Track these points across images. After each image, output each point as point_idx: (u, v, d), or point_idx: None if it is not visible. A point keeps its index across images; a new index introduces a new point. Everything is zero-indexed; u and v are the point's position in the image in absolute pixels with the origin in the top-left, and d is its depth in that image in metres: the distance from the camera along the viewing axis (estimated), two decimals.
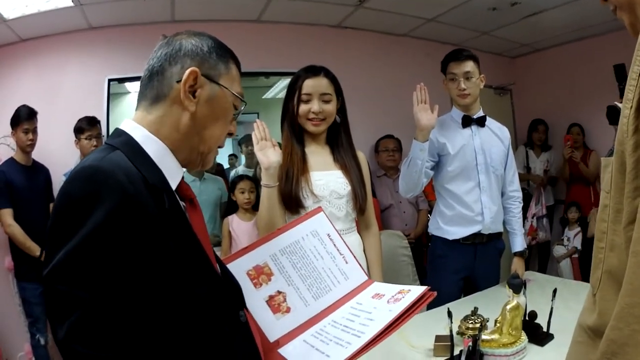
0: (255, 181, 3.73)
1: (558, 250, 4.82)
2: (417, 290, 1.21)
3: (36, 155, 3.51)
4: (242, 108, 1.15)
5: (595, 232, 0.85)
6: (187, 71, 1.01)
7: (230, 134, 1.16)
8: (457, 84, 2.54)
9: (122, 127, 1.05)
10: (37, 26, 3.68)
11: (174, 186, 1.05)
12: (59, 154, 3.69)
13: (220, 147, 1.16)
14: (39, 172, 3.55)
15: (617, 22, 3.68)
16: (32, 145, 3.40)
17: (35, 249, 3.34)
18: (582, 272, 4.59)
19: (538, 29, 4.87)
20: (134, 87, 4.59)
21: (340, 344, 1.16)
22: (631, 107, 0.72)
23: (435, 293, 1.19)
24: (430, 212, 4.37)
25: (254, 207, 3.67)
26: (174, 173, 1.06)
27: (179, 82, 1.02)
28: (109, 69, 3.95)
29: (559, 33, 5.03)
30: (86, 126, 3.51)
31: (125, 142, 1.01)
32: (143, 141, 1.03)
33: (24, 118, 3.32)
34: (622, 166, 0.75)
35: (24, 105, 3.38)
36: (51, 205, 3.55)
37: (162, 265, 0.92)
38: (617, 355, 0.70)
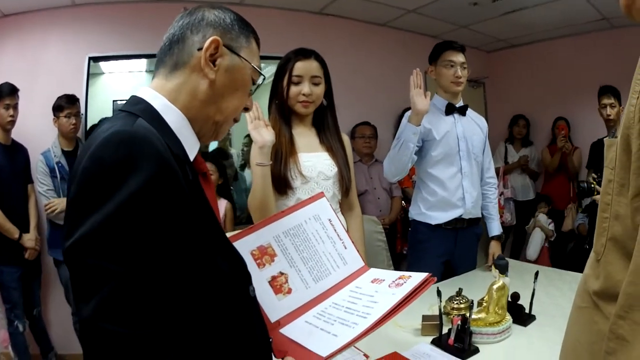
0: (218, 163, 3.73)
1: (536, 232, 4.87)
2: (419, 276, 1.25)
3: (14, 134, 3.42)
4: (261, 82, 1.14)
5: (600, 204, 0.91)
6: (210, 39, 1.01)
7: (246, 109, 1.15)
8: (455, 71, 2.63)
9: (140, 94, 1.04)
10: (20, 1, 3.58)
11: (191, 158, 1.05)
12: (36, 133, 3.60)
13: (236, 120, 1.15)
14: (18, 152, 3.45)
15: (595, 24, 3.86)
16: (13, 122, 3.30)
17: (14, 231, 3.27)
18: (553, 260, 4.72)
19: (516, 26, 4.98)
20: (108, 68, 4.52)
21: (345, 324, 1.18)
22: (638, 97, 0.80)
23: (435, 279, 1.24)
24: (403, 200, 4.45)
25: (219, 192, 3.69)
26: (192, 144, 1.05)
27: (200, 50, 1.02)
28: (90, 46, 3.87)
29: (537, 30, 5.15)
30: (65, 104, 3.43)
31: (145, 110, 0.99)
32: (163, 110, 1.01)
33: (5, 93, 3.24)
34: (627, 147, 0.82)
35: (5, 82, 3.28)
36: (29, 186, 3.50)
37: (190, 238, 0.91)
38: (634, 307, 0.76)
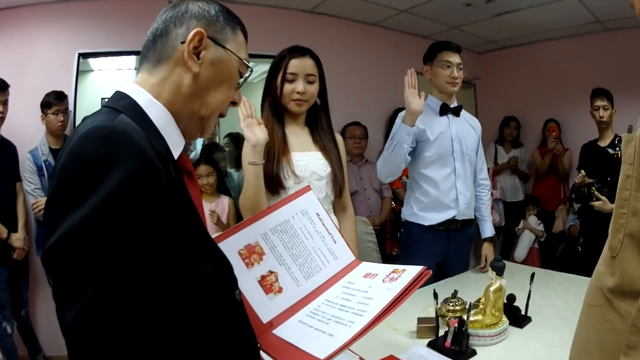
0: (214, 164, 3.70)
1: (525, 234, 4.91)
2: (413, 269, 1.22)
3: (2, 130, 3.36)
4: (248, 75, 1.11)
5: (617, 200, 0.92)
6: (193, 31, 0.99)
7: (234, 103, 1.12)
8: (451, 71, 2.62)
9: (124, 90, 1.01)
10: None
11: (175, 156, 1.02)
12: (26, 130, 3.54)
13: (222, 115, 1.12)
14: (6, 149, 3.39)
15: (588, 26, 3.91)
16: (2, 118, 3.24)
17: (3, 231, 3.22)
18: (543, 262, 4.75)
19: (509, 27, 4.99)
20: (98, 65, 4.47)
21: (341, 323, 1.15)
22: None
23: (430, 271, 1.21)
24: (393, 200, 4.44)
25: (219, 191, 3.67)
26: (176, 142, 1.03)
27: (183, 42, 0.99)
28: (80, 43, 3.81)
29: (529, 32, 5.16)
30: (54, 100, 3.38)
31: (128, 106, 0.97)
32: (146, 105, 0.99)
33: None
34: None
35: None
36: (17, 184, 3.44)
37: (172, 238, 0.88)
38: None
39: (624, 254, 0.88)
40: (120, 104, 0.97)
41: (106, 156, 0.81)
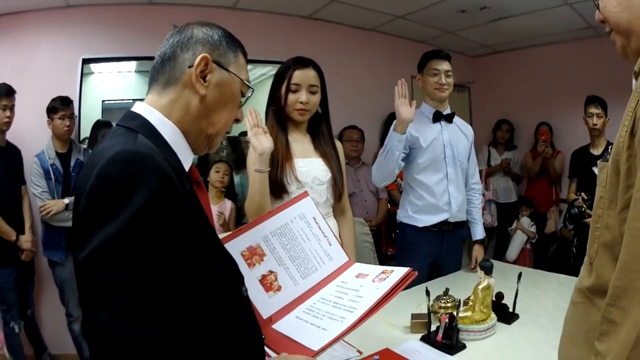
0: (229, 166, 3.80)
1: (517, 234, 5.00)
2: (400, 270, 1.34)
3: (7, 135, 3.41)
4: (250, 94, 1.20)
5: (592, 216, 1.09)
6: (199, 56, 1.07)
7: (237, 120, 1.21)
8: (439, 78, 2.73)
9: (136, 109, 1.10)
10: (14, 1, 3.59)
11: (186, 168, 1.12)
12: (30, 134, 3.60)
13: (227, 132, 1.22)
14: (12, 154, 3.45)
15: (580, 32, 3.99)
16: (9, 123, 3.30)
17: (11, 233, 3.28)
18: (535, 262, 4.86)
19: (502, 32, 5.07)
20: (98, 68, 4.50)
21: (334, 318, 1.27)
22: (627, 130, 0.98)
23: (416, 273, 1.33)
24: (389, 202, 4.53)
25: (227, 193, 3.76)
26: (186, 156, 1.12)
27: (190, 67, 1.08)
28: (83, 48, 3.87)
29: (522, 37, 5.26)
30: (60, 106, 3.43)
31: (142, 125, 1.05)
32: (158, 124, 1.07)
33: (3, 94, 3.23)
34: (617, 170, 1.00)
35: (3, 82, 3.28)
36: (23, 187, 3.50)
37: (190, 245, 0.98)
38: (620, 297, 0.93)
39: (599, 260, 1.04)
40: (135, 123, 1.06)
41: (132, 177, 0.91)
